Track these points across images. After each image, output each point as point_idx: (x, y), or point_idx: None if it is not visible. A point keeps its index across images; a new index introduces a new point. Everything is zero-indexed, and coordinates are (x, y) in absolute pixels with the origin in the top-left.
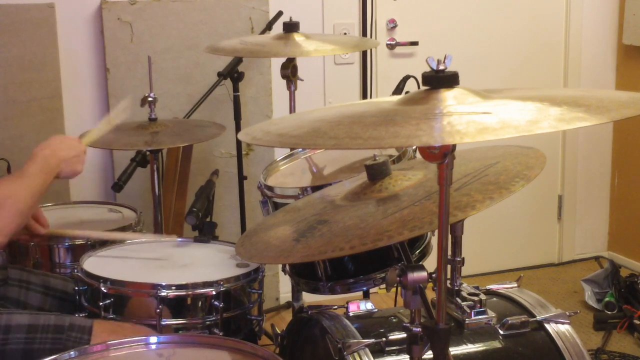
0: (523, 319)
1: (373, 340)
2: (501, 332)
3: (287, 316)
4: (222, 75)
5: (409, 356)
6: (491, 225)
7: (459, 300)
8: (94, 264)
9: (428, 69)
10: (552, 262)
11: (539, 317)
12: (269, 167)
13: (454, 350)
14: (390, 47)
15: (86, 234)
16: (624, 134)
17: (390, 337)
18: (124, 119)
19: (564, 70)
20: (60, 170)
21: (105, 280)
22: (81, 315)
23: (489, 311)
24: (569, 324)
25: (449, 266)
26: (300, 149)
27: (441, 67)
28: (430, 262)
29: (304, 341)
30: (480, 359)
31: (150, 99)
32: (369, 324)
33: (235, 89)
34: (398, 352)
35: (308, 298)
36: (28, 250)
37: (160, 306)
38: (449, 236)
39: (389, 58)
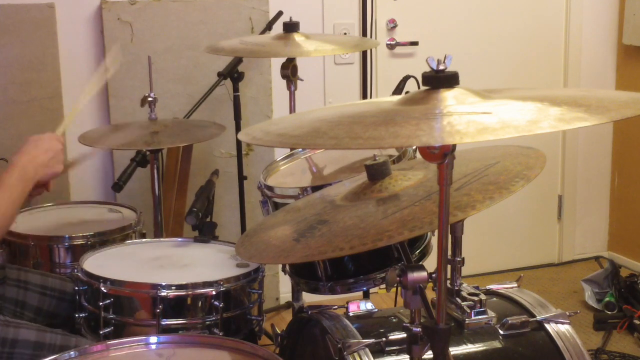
0: (523, 319)
1: (373, 340)
2: (501, 332)
3: (287, 316)
4: (222, 75)
5: (409, 356)
6: (491, 225)
7: (459, 300)
8: (94, 264)
9: (428, 69)
10: (552, 262)
11: (539, 317)
12: (269, 167)
13: (454, 350)
14: (390, 47)
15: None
16: (624, 134)
17: (390, 337)
18: (116, 69)
19: (564, 70)
20: (39, 177)
21: (105, 280)
22: (82, 314)
23: (489, 311)
24: (569, 324)
25: (449, 266)
26: (300, 149)
27: (441, 67)
28: (430, 262)
29: (304, 341)
30: (480, 359)
31: (150, 99)
32: (369, 324)
33: (235, 89)
34: (398, 352)
35: (308, 298)
36: (28, 250)
37: (160, 306)
38: (449, 236)
39: (389, 58)
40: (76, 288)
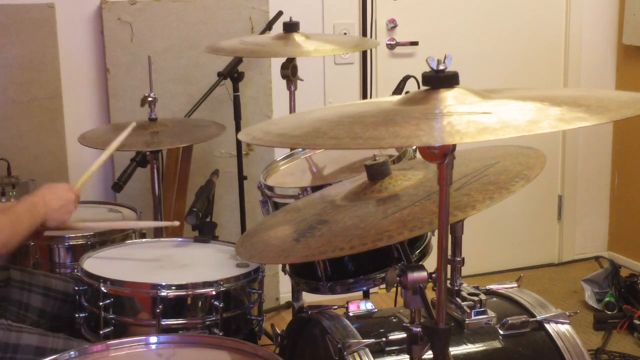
0: (523, 319)
1: (373, 340)
2: (501, 332)
3: (287, 316)
4: (222, 75)
5: (409, 356)
6: (491, 225)
7: (459, 300)
8: (94, 264)
9: (428, 69)
10: (552, 262)
11: (539, 317)
12: (269, 167)
13: (454, 350)
14: (390, 47)
15: (86, 225)
16: (624, 134)
17: (390, 337)
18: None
19: (564, 70)
20: (47, 219)
21: (105, 280)
22: (82, 314)
23: (489, 311)
24: (569, 324)
25: (449, 266)
26: (300, 149)
27: (441, 67)
28: (430, 262)
29: (304, 341)
30: (480, 359)
31: (150, 99)
32: (369, 324)
33: (235, 89)
34: (398, 352)
35: (308, 298)
36: (28, 251)
37: (160, 306)
38: (449, 236)
39: (389, 58)
40: (76, 288)
